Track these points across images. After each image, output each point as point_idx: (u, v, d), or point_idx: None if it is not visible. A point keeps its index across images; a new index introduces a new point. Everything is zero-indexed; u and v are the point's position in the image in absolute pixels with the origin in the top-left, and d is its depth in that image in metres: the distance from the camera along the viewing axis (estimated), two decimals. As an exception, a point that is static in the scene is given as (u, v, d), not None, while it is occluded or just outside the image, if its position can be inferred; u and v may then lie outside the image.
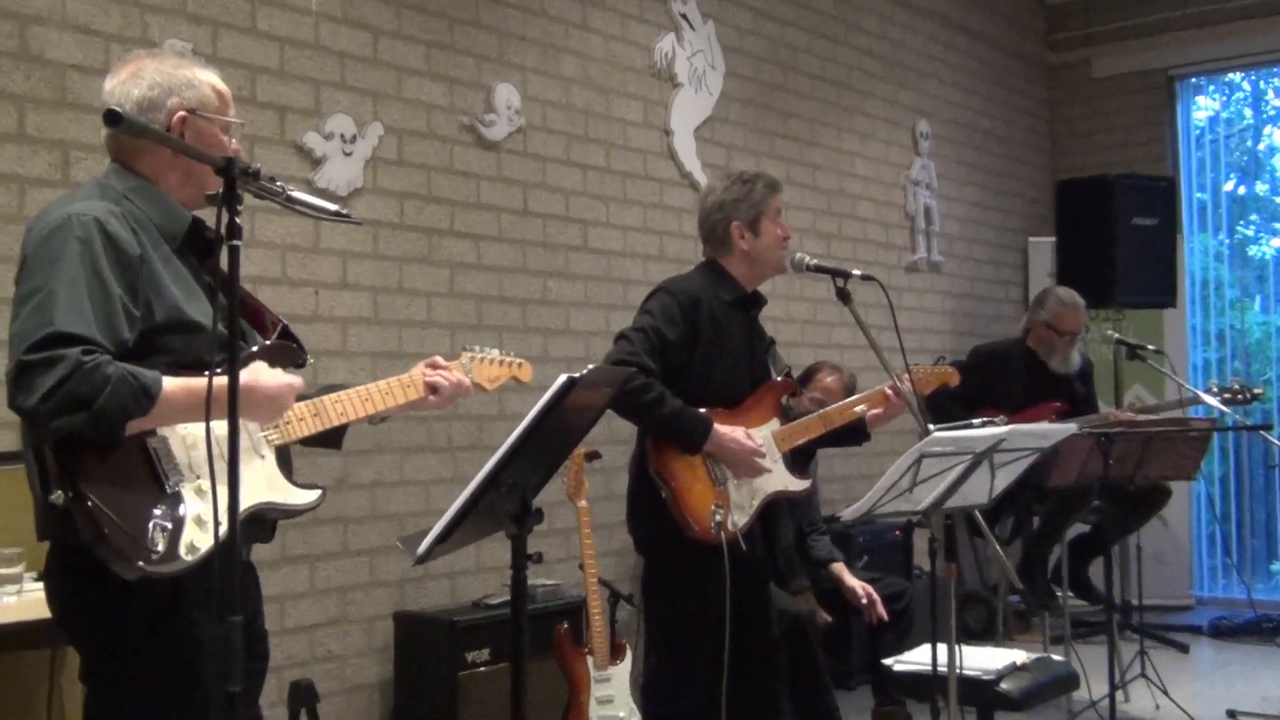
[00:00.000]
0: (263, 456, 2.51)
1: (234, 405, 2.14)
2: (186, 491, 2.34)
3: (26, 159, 3.95)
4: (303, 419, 2.56)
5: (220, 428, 2.21)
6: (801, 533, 5.34)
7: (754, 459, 3.75)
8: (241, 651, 2.12)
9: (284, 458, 2.60)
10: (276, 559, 4.53)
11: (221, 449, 2.25)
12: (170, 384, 2.30)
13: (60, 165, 4.02)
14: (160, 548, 2.27)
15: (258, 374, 2.44)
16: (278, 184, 2.39)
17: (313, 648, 4.66)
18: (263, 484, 2.49)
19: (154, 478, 2.32)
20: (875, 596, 5.12)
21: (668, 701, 3.81)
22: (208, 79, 2.59)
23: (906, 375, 3.90)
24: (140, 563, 2.25)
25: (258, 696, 2.70)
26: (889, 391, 3.92)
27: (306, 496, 2.58)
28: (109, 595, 2.32)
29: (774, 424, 3.90)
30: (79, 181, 4.01)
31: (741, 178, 3.95)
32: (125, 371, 2.24)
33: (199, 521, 2.32)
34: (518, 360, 3.08)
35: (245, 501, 2.36)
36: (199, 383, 2.28)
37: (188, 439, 2.38)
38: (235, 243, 2.18)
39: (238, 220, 2.19)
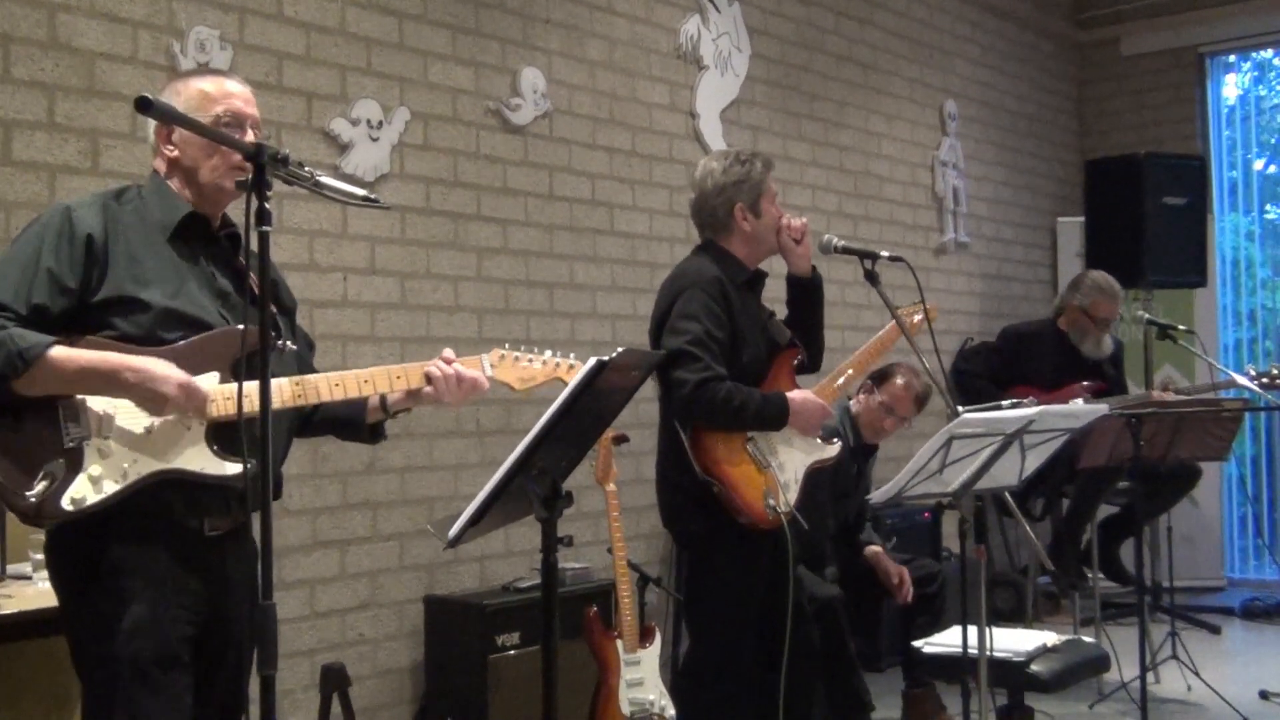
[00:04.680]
0: (188, 427, 2.53)
1: (265, 394, 2.15)
2: (89, 449, 2.45)
3: (56, 147, 3.97)
4: (248, 395, 2.44)
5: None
6: (846, 518, 5.30)
7: (826, 414, 3.84)
8: (276, 635, 2.13)
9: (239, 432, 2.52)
10: (308, 544, 4.56)
11: (127, 410, 2.45)
12: (61, 353, 2.41)
13: (90, 153, 4.04)
14: (35, 494, 2.40)
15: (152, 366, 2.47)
16: (306, 169, 2.40)
17: (344, 631, 4.68)
18: (176, 452, 2.51)
19: (55, 431, 2.44)
20: (907, 578, 5.07)
21: (706, 688, 3.81)
22: (195, 83, 2.72)
23: (912, 310, 4.09)
24: (18, 507, 2.41)
25: (239, 674, 2.66)
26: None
27: (224, 469, 2.55)
28: (53, 550, 2.56)
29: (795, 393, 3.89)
30: (108, 169, 4.05)
31: (738, 158, 3.90)
32: (9, 336, 2.39)
33: (91, 478, 2.44)
34: (567, 362, 2.86)
35: (149, 467, 2.49)
36: (89, 357, 2.43)
37: (110, 398, 2.49)
38: (265, 229, 2.19)
39: (267, 206, 2.20)
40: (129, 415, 2.48)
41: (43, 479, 2.41)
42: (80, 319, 2.49)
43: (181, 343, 2.53)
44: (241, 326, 2.56)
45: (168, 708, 2.48)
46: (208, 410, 2.50)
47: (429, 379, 2.75)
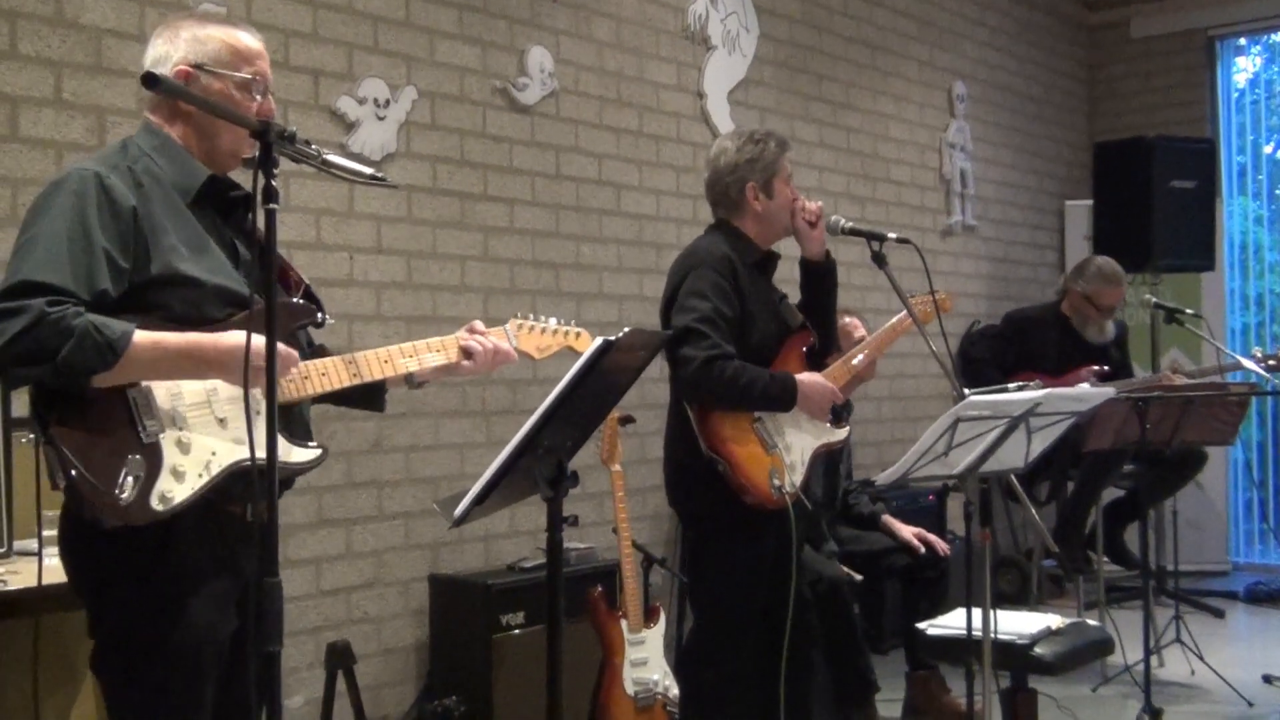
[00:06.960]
0: (258, 413, 2.36)
1: (272, 369, 2.14)
2: (166, 442, 2.31)
3: (63, 124, 3.97)
4: (307, 377, 2.51)
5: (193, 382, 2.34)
6: (834, 493, 5.33)
7: (835, 398, 3.81)
8: (281, 612, 2.13)
9: (297, 416, 2.57)
10: (313, 522, 4.56)
11: (196, 401, 2.34)
12: (144, 339, 2.26)
13: (97, 130, 4.03)
14: (127, 495, 2.24)
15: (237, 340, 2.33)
16: (313, 147, 2.36)
17: (349, 610, 4.70)
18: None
19: (131, 426, 2.29)
20: (928, 536, 5.23)
21: (709, 667, 3.82)
22: (222, 35, 2.53)
23: (924, 300, 4.02)
24: (107, 509, 2.24)
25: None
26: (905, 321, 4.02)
27: (302, 455, 2.53)
28: (97, 542, 2.33)
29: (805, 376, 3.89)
30: (115, 146, 4.03)
31: (753, 137, 3.90)
32: (91, 325, 2.20)
33: (176, 473, 2.30)
34: (575, 330, 2.99)
35: (231, 457, 2.37)
36: (176, 340, 2.29)
37: (172, 388, 2.35)
38: (272, 206, 2.18)
39: (274, 183, 2.19)
40: (196, 406, 2.36)
41: (127, 477, 2.24)
42: (128, 301, 2.32)
43: (236, 318, 2.40)
44: (294, 300, 2.56)
45: (209, 700, 2.42)
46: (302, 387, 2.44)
47: (469, 353, 2.75)
